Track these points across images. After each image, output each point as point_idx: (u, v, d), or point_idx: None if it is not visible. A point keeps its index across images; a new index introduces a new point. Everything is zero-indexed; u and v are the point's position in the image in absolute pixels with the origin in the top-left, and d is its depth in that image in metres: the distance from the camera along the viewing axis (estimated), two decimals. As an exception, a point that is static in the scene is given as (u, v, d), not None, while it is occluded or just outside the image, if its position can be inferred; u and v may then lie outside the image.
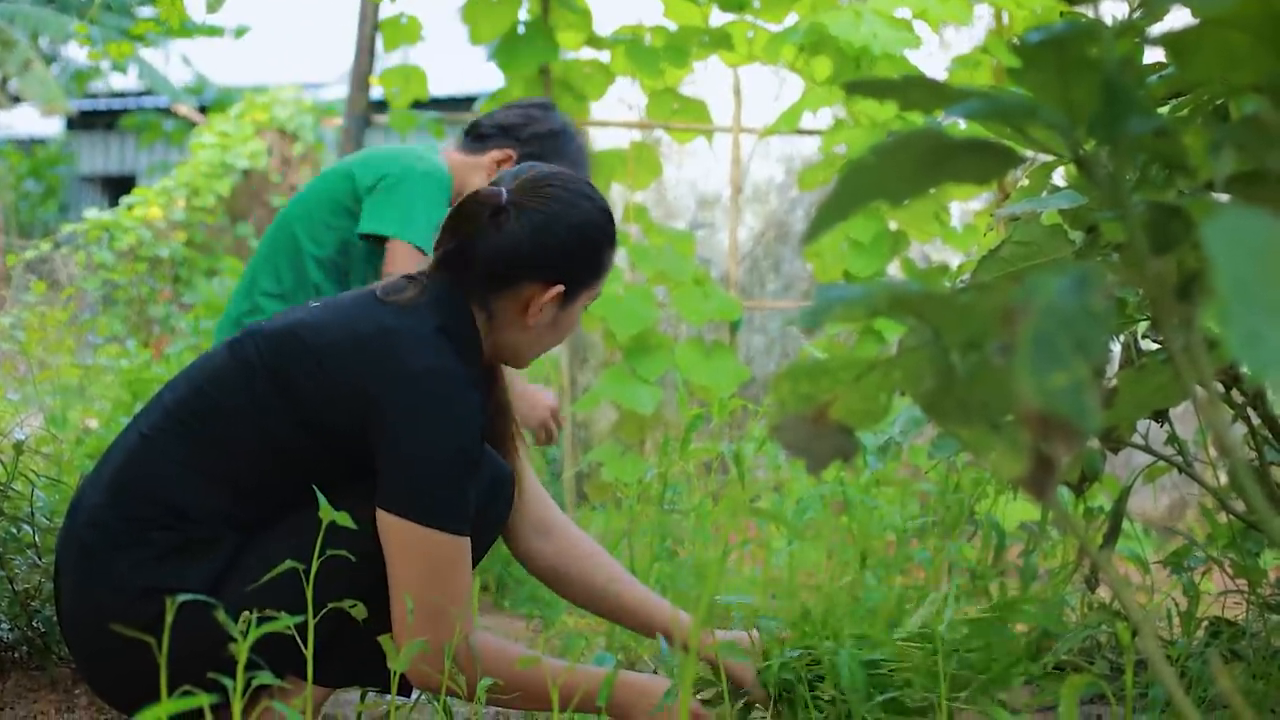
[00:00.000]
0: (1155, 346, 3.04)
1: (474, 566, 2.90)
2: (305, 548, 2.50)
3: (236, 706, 2.02)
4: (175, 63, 21.71)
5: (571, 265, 2.91)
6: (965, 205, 9.51)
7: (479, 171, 4.24)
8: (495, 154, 4.26)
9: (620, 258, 8.20)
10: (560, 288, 2.89)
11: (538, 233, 2.86)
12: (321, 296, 3.36)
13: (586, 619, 4.49)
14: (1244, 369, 1.15)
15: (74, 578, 2.74)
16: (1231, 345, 1.14)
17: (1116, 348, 3.26)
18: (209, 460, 2.72)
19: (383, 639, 2.59)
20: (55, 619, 3.27)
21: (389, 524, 2.67)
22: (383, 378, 2.68)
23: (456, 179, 4.23)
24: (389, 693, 2.75)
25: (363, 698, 3.18)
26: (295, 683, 2.76)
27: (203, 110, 20.47)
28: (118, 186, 21.26)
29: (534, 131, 4.25)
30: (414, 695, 3.04)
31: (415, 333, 2.76)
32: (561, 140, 4.27)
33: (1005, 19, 7.98)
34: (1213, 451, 3.63)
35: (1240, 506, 3.45)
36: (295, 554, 2.51)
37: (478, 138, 4.32)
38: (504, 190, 2.87)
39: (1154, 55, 2.21)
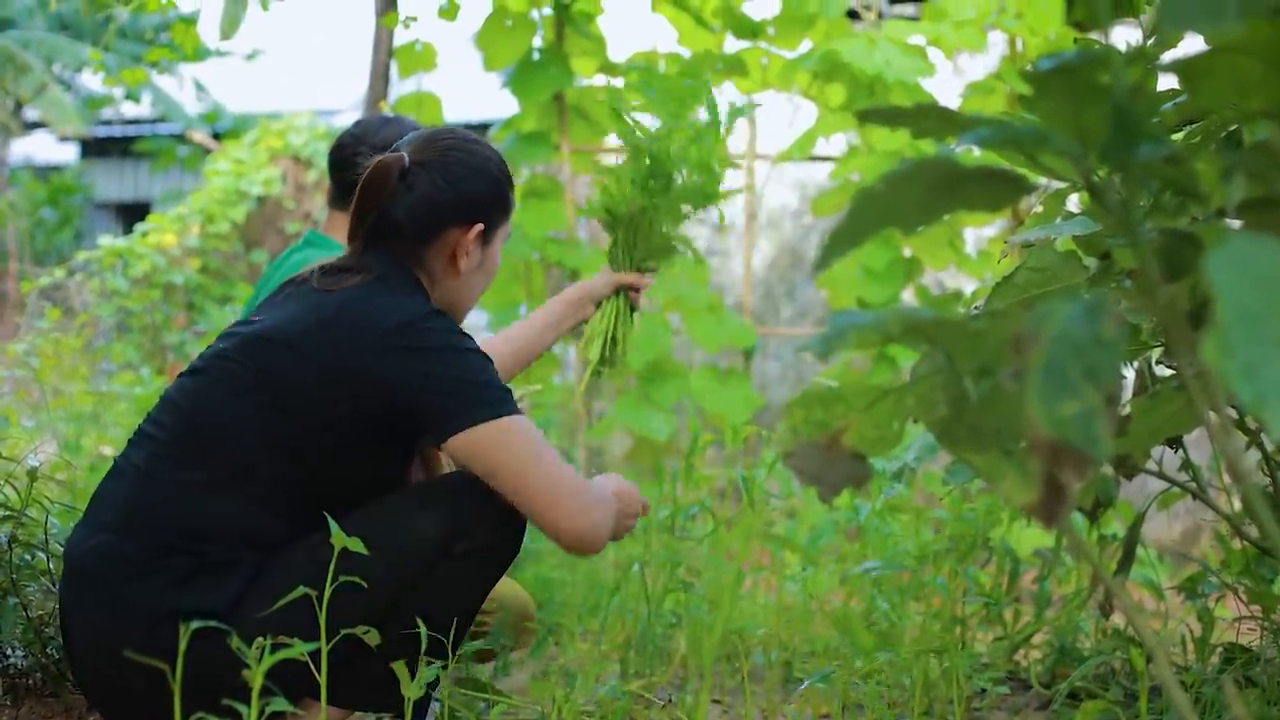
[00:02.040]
0: (1169, 373, 3.04)
1: (477, 605, 2.91)
2: (322, 569, 2.55)
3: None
4: (189, 90, 21.77)
5: (485, 203, 3.07)
6: (979, 232, 9.51)
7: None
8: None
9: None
10: (480, 226, 3.04)
11: (449, 180, 3.01)
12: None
13: (600, 644, 4.49)
14: (1241, 402, 1.14)
15: (89, 616, 2.72)
16: (1229, 376, 1.13)
17: (1130, 374, 3.26)
18: (220, 479, 2.72)
19: (397, 665, 2.59)
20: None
21: (465, 443, 2.74)
22: (381, 348, 2.75)
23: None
24: (403, 715, 2.75)
25: (376, 724, 3.18)
26: (310, 705, 2.76)
27: (217, 137, 20.49)
28: (132, 213, 21.26)
29: (359, 146, 4.10)
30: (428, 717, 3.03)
31: (384, 298, 2.85)
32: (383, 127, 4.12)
33: (1019, 46, 7.98)
34: (1226, 478, 3.63)
35: (1254, 532, 3.45)
36: (312, 575, 2.56)
37: (337, 191, 4.17)
38: (404, 154, 3.01)
39: (1167, 82, 2.21)
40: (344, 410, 2.75)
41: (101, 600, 2.70)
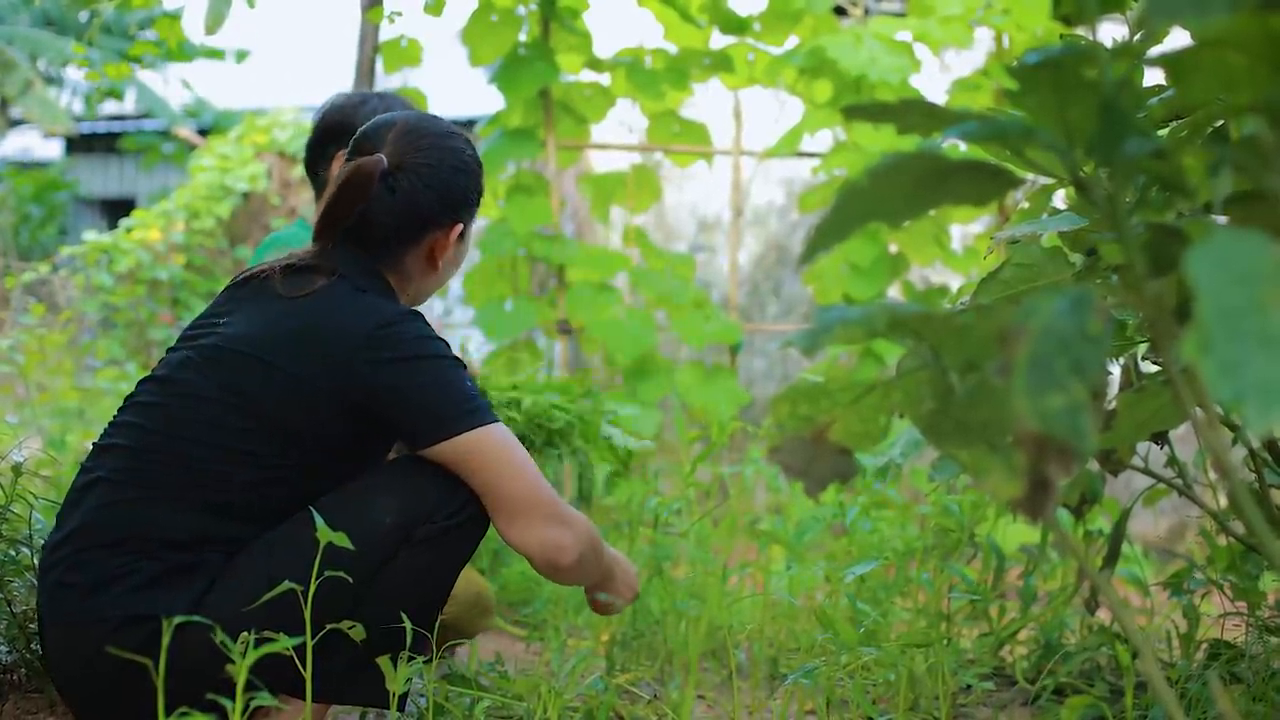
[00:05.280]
0: (1155, 368, 3.04)
1: (447, 590, 2.89)
2: (282, 565, 2.60)
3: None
4: (174, 85, 21.71)
5: (465, 202, 3.05)
6: (965, 228, 9.52)
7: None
8: (334, 160, 4.02)
9: (620, 281, 8.20)
10: (460, 226, 3.04)
11: (431, 183, 2.96)
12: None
13: (586, 640, 4.48)
14: (1220, 399, 1.13)
15: (61, 623, 2.71)
16: (1207, 374, 1.13)
17: (1116, 370, 3.26)
18: (185, 488, 2.71)
19: (382, 660, 2.58)
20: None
21: (443, 452, 2.76)
22: (355, 360, 2.73)
23: None
24: (387, 709, 2.74)
25: (362, 717, 3.18)
26: (286, 701, 2.75)
27: (202, 133, 20.42)
28: (117, 209, 21.19)
29: (333, 120, 4.04)
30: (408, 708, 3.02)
31: (352, 304, 2.82)
32: (360, 105, 4.06)
33: (1006, 42, 7.99)
34: (1212, 474, 3.63)
35: (1240, 529, 3.45)
36: (273, 571, 2.61)
37: (311, 174, 4.12)
38: (382, 156, 2.94)
39: (1154, 77, 2.21)
40: (312, 422, 2.75)
41: (72, 607, 2.68)
